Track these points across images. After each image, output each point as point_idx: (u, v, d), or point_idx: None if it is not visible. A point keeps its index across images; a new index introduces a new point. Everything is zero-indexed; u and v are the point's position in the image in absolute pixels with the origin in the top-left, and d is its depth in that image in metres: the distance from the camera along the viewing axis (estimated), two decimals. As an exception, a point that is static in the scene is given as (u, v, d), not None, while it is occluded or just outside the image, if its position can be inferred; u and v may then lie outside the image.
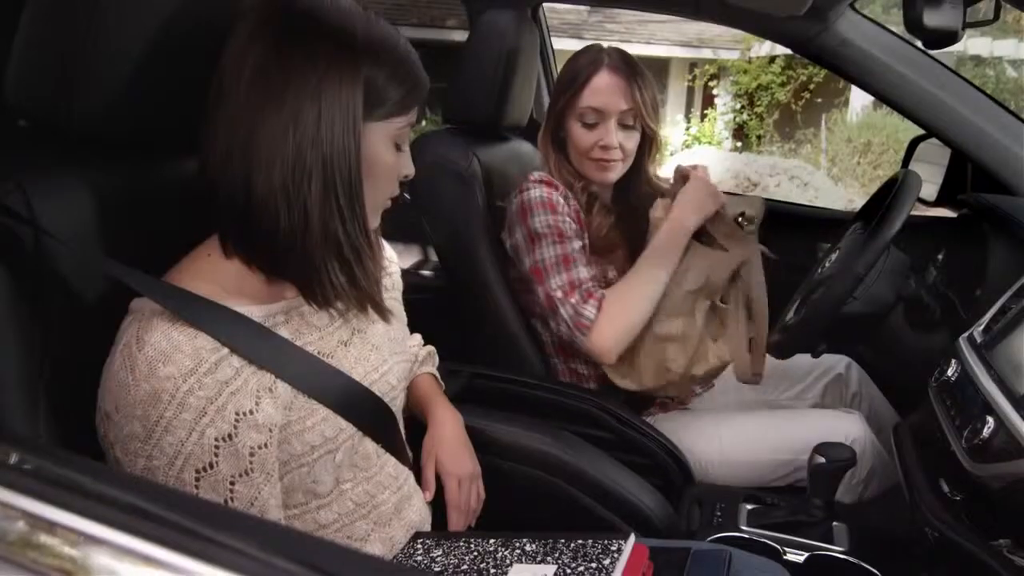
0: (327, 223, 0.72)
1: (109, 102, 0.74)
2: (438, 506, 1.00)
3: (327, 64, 0.70)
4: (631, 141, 1.41)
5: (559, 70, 1.57)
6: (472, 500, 1.03)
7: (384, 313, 0.83)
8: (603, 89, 1.37)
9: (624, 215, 1.49)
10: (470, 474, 1.03)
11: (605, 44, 1.46)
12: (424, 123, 6.61)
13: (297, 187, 0.70)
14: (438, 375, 1.14)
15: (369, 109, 0.74)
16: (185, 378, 0.66)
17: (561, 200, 1.37)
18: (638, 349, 1.35)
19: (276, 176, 0.70)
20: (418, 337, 1.14)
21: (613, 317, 1.30)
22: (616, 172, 1.42)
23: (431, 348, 1.15)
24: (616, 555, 0.80)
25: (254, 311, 0.74)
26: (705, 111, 10.76)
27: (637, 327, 1.32)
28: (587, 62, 1.39)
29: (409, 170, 0.83)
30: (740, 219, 1.40)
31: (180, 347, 0.67)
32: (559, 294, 1.32)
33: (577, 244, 1.35)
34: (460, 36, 1.78)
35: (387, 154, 0.78)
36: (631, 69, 1.39)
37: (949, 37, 1.26)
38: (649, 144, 1.47)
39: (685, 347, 1.34)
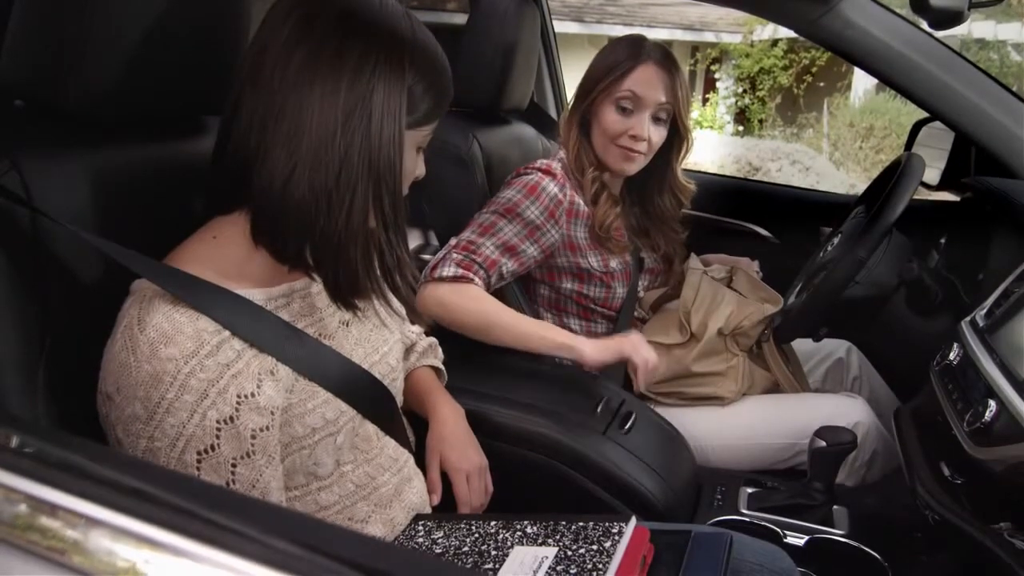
0: (367, 226, 0.72)
1: (107, 81, 0.73)
2: (447, 503, 0.99)
3: (378, 68, 0.70)
4: (658, 136, 1.41)
5: (560, 53, 1.55)
6: (482, 494, 1.02)
7: (418, 316, 0.82)
8: (646, 79, 1.38)
9: (631, 207, 1.48)
10: (478, 467, 1.02)
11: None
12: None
13: (343, 186, 0.69)
14: (443, 368, 1.12)
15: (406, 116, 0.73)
16: (187, 360, 0.66)
17: (552, 189, 1.35)
18: (684, 382, 1.40)
19: (320, 173, 0.69)
20: (418, 327, 1.11)
21: (457, 300, 1.24)
22: (637, 164, 1.43)
23: (433, 340, 1.13)
24: (617, 538, 0.80)
25: (255, 294, 0.74)
26: (707, 95, 10.70)
27: (454, 322, 1.25)
28: (632, 52, 1.39)
29: (422, 171, 0.82)
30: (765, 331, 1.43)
31: (182, 328, 0.66)
32: (454, 242, 1.30)
33: (518, 228, 1.31)
34: (460, 19, 1.76)
35: (410, 161, 0.77)
36: (673, 66, 1.40)
37: (955, 17, 1.25)
38: (680, 143, 1.47)
39: (736, 377, 1.38)
